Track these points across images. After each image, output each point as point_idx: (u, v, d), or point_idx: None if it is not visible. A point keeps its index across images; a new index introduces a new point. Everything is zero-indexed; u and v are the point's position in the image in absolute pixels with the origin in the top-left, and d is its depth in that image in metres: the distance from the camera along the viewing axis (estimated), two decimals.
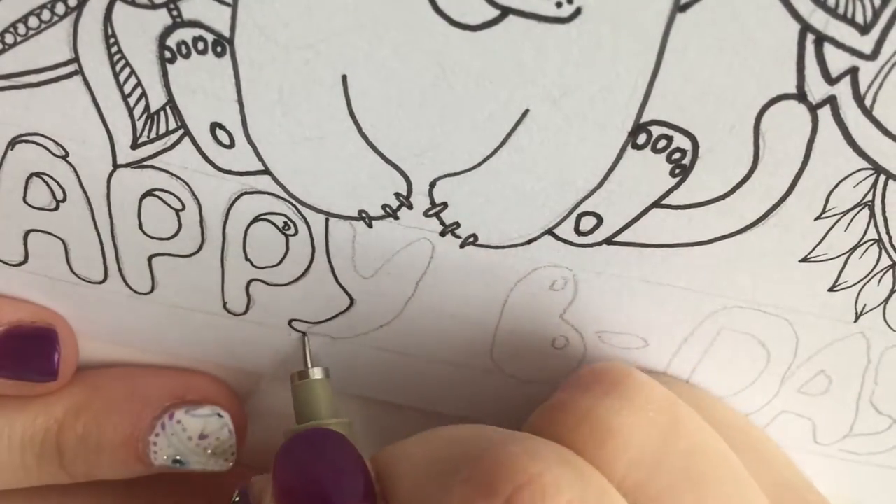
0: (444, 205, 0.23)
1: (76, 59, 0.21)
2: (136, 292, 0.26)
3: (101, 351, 0.28)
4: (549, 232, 0.23)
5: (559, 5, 0.19)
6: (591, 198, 0.22)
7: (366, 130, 0.21)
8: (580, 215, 0.23)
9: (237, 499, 0.23)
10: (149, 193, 0.23)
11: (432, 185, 0.22)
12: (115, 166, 0.23)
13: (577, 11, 0.19)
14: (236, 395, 0.29)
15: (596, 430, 0.21)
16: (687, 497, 0.21)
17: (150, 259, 0.25)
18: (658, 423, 0.21)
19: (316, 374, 0.26)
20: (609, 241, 0.23)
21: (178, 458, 0.27)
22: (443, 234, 0.23)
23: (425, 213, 0.23)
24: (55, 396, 0.27)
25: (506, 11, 0.19)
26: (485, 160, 0.22)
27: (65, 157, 0.23)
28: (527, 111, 0.21)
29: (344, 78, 0.21)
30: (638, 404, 0.21)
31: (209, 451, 0.27)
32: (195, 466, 0.27)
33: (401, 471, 0.22)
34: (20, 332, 0.26)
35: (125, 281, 0.25)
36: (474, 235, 0.23)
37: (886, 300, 0.24)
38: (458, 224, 0.23)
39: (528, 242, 0.23)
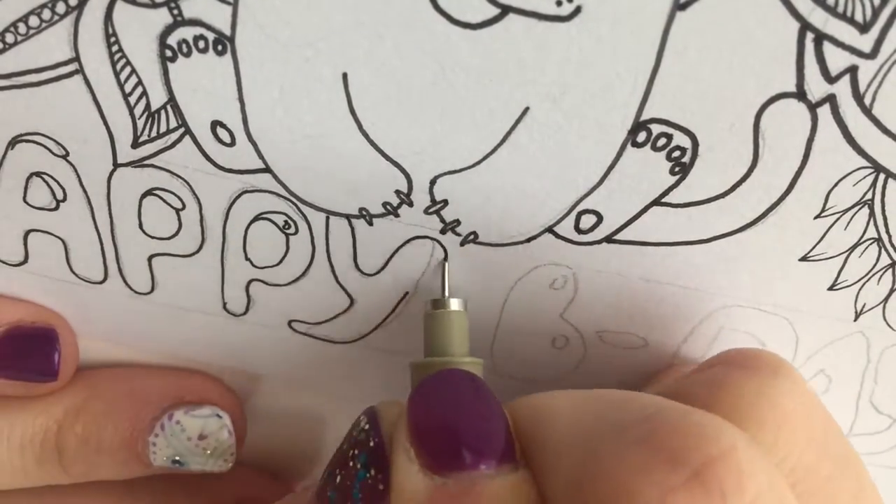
0: (445, 202, 0.23)
1: (77, 59, 0.21)
2: (136, 292, 0.26)
3: (101, 351, 0.28)
4: (550, 230, 0.23)
5: (559, 4, 0.19)
6: (591, 196, 0.22)
7: (366, 128, 0.21)
8: (580, 213, 0.23)
9: (366, 426, 0.21)
10: (149, 193, 0.23)
11: (433, 182, 0.22)
12: (116, 165, 0.23)
13: (577, 10, 0.19)
14: (236, 395, 0.29)
15: (773, 411, 0.20)
16: (848, 484, 0.20)
17: (150, 259, 0.25)
18: (821, 409, 0.21)
19: (454, 304, 0.24)
20: (609, 239, 0.23)
21: (177, 458, 0.27)
22: (443, 231, 0.23)
23: (426, 211, 0.23)
24: (55, 397, 0.27)
25: (506, 10, 0.19)
26: (485, 158, 0.22)
27: (65, 157, 0.23)
28: (527, 109, 0.21)
29: (344, 76, 0.21)
30: (804, 389, 0.21)
31: (208, 452, 0.27)
32: (194, 467, 0.27)
33: (546, 432, 0.20)
34: (20, 332, 0.26)
35: (125, 281, 0.25)
36: (474, 233, 0.23)
37: (886, 299, 0.24)
38: (458, 222, 0.23)
39: (529, 240, 0.23)
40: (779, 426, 0.20)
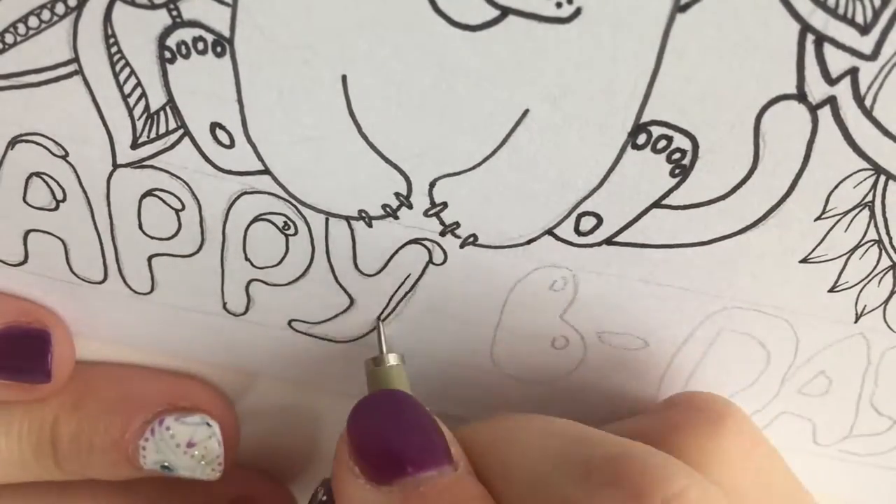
0: (444, 205, 0.23)
1: (76, 59, 0.21)
2: (135, 292, 0.26)
3: (101, 351, 0.28)
4: (549, 232, 0.23)
5: (559, 5, 0.19)
6: (590, 198, 0.22)
7: (366, 130, 0.21)
8: (580, 215, 0.23)
9: (323, 497, 0.23)
10: (148, 193, 0.23)
11: (432, 184, 0.22)
12: (115, 166, 0.23)
13: (577, 11, 0.19)
14: (229, 403, 0.29)
15: (718, 450, 0.22)
16: None
17: (149, 259, 0.25)
18: (766, 449, 0.23)
19: (391, 360, 0.25)
20: (609, 241, 0.23)
21: (165, 463, 0.27)
22: (443, 234, 0.23)
23: (425, 213, 0.23)
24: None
25: (506, 11, 0.19)
26: (485, 160, 0.22)
27: (65, 157, 0.23)
28: (527, 111, 0.21)
29: (344, 78, 0.21)
30: (751, 430, 0.23)
31: (196, 460, 0.27)
32: (183, 473, 0.27)
33: (505, 456, 0.22)
34: (14, 332, 0.26)
35: (125, 281, 0.25)
36: (474, 235, 0.23)
37: (886, 301, 0.24)
38: (457, 224, 0.23)
39: (528, 242, 0.23)
40: (723, 465, 0.22)
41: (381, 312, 0.26)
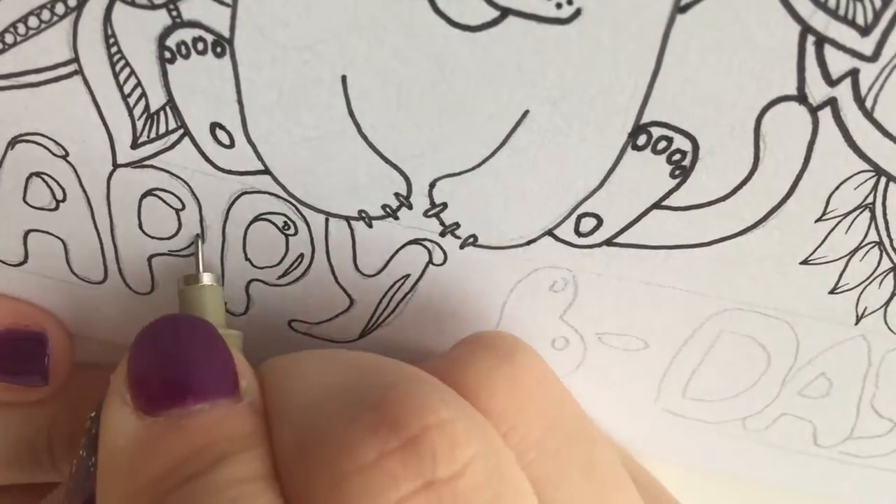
0: (444, 205, 0.23)
1: (76, 59, 0.21)
2: (136, 292, 0.26)
3: (101, 351, 0.28)
4: (549, 233, 0.23)
5: (559, 6, 0.19)
6: (591, 199, 0.22)
7: (365, 131, 0.21)
8: (580, 216, 0.23)
9: (93, 414, 0.21)
10: (149, 193, 0.23)
11: (432, 185, 0.22)
12: (115, 166, 0.23)
13: (577, 12, 0.19)
14: None
15: (504, 385, 0.21)
16: (579, 458, 0.21)
17: (149, 259, 0.25)
18: (557, 388, 0.22)
19: (206, 279, 0.24)
20: (609, 242, 0.23)
21: None
22: (443, 234, 0.23)
23: (425, 214, 0.23)
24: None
25: (505, 12, 0.19)
26: (484, 161, 0.22)
27: (65, 157, 0.23)
28: (526, 112, 0.21)
29: (343, 78, 0.21)
30: (541, 368, 0.22)
31: None
32: None
33: (290, 386, 0.21)
34: (11, 335, 0.26)
35: (125, 281, 0.25)
36: (474, 236, 0.23)
37: (887, 303, 0.24)
38: (457, 224, 0.23)
39: (528, 243, 0.23)
40: (509, 399, 0.21)
41: (202, 231, 0.24)
